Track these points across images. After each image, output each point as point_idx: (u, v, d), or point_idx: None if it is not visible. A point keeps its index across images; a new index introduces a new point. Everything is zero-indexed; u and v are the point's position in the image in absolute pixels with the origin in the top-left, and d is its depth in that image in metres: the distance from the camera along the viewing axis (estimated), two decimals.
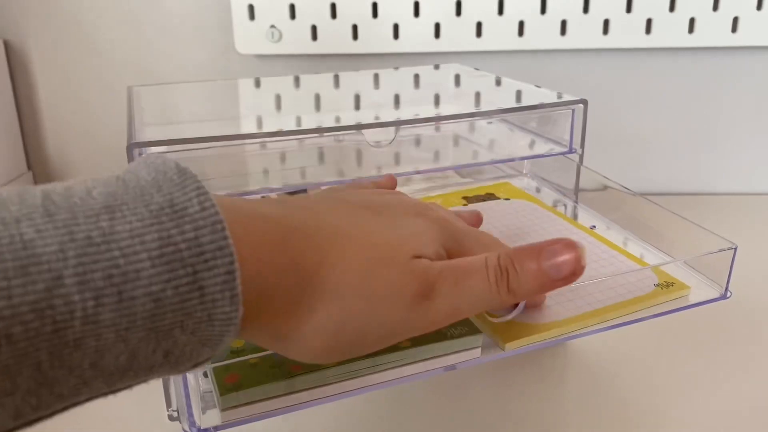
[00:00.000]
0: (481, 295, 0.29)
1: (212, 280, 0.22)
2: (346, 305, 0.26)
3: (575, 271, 0.29)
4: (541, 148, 0.51)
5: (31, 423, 0.21)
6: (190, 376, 0.30)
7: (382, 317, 0.27)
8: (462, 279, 0.29)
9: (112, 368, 0.21)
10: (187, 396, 0.30)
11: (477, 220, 0.43)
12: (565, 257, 0.29)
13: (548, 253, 0.29)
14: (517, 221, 0.49)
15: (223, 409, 0.31)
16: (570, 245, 0.29)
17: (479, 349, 0.36)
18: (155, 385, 0.42)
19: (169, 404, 0.43)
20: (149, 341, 0.21)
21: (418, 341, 0.34)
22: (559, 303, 0.38)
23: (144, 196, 0.22)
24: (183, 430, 0.31)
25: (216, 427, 0.31)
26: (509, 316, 0.36)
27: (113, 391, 0.23)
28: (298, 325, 0.26)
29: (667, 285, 0.40)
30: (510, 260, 0.29)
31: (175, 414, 0.43)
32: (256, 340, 0.27)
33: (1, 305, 0.18)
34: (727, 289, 0.40)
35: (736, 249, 0.40)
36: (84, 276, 0.19)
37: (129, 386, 0.23)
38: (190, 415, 0.30)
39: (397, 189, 0.55)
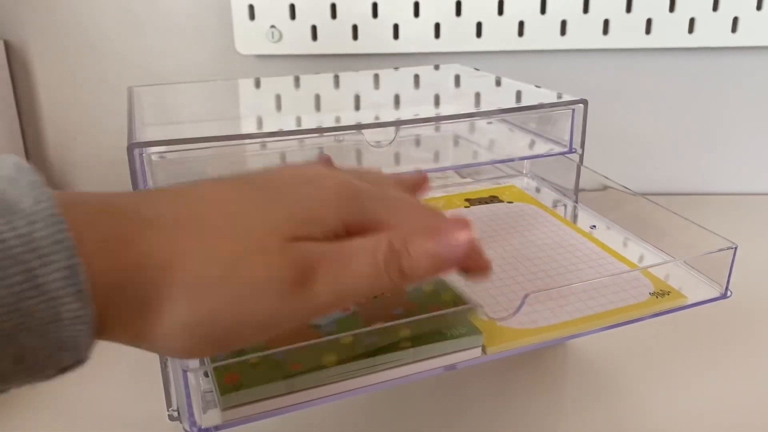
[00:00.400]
0: (369, 279, 0.27)
1: (51, 276, 0.20)
2: (209, 300, 0.24)
3: (469, 252, 0.28)
4: (541, 148, 0.51)
5: None
6: (190, 375, 0.30)
7: (254, 309, 0.25)
8: (347, 262, 0.26)
9: None
10: (188, 396, 0.30)
11: (421, 182, 0.36)
12: (460, 237, 0.28)
13: (443, 234, 0.28)
14: (518, 225, 0.49)
15: (223, 409, 0.31)
16: (464, 224, 0.28)
17: (479, 349, 0.36)
18: (156, 386, 0.43)
19: (169, 404, 0.43)
20: None
21: (418, 341, 0.34)
22: (550, 308, 0.38)
23: None
24: (184, 429, 0.31)
25: (217, 427, 0.31)
26: (509, 317, 0.36)
27: None
28: (153, 325, 0.24)
29: (663, 294, 0.40)
30: (403, 241, 0.27)
31: (176, 414, 0.43)
32: (120, 341, 0.25)
33: None
34: (727, 288, 0.40)
35: (736, 249, 0.40)
36: None
37: None
38: (191, 414, 0.30)
39: None
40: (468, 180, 0.57)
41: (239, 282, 0.25)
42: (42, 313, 0.20)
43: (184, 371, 0.29)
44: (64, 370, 0.23)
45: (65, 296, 0.21)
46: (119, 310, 0.23)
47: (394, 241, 0.27)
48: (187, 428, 0.31)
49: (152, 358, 0.42)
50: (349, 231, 0.28)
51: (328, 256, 0.26)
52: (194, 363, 0.32)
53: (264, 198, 0.27)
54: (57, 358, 0.22)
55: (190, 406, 0.30)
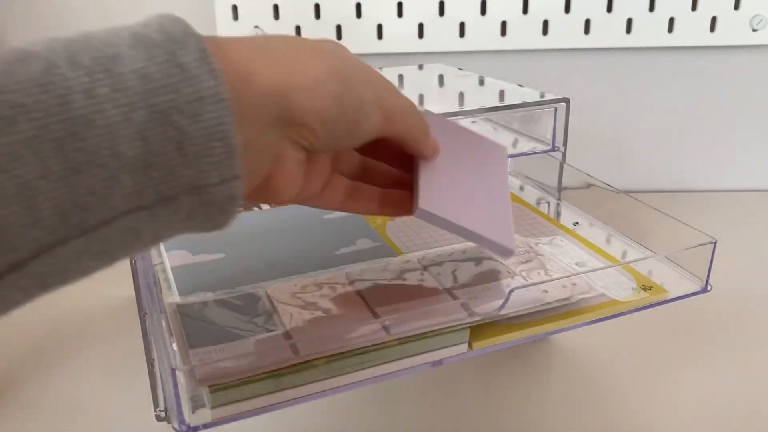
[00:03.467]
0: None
1: (188, 57, 0.24)
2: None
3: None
4: (525, 146, 0.51)
5: (82, 234, 0.22)
6: (179, 374, 0.30)
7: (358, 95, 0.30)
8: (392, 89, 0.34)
9: (133, 160, 0.22)
10: (177, 394, 0.30)
11: None
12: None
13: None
14: None
15: (212, 407, 0.31)
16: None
17: (465, 345, 0.36)
18: (143, 387, 0.43)
19: (156, 404, 0.43)
20: (155, 124, 0.23)
21: (404, 338, 0.35)
22: (527, 299, 0.38)
23: (124, 28, 0.25)
24: (173, 428, 0.31)
25: (206, 425, 0.31)
26: (494, 313, 0.36)
27: (145, 207, 0.23)
28: (299, 75, 0.28)
29: (645, 289, 0.41)
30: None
31: (163, 414, 0.43)
32: (260, 122, 0.27)
33: (7, 81, 0.21)
34: (707, 282, 0.41)
35: (715, 243, 0.40)
36: (72, 58, 0.22)
37: (164, 198, 0.24)
38: (180, 413, 0.30)
39: None
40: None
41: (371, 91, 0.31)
42: (188, 90, 0.23)
43: (173, 370, 0.29)
44: (224, 181, 0.25)
45: (203, 74, 0.24)
46: (256, 78, 0.26)
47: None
48: (177, 427, 0.31)
49: (139, 360, 0.42)
50: None
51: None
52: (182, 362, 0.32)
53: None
54: (210, 152, 0.24)
55: (179, 404, 0.30)
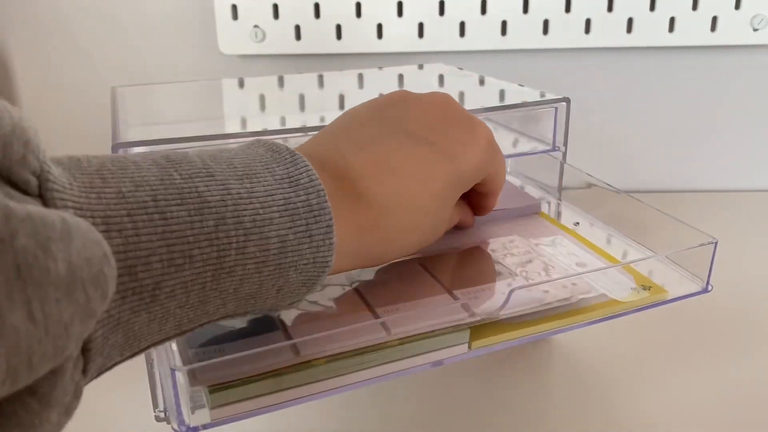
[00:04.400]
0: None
1: (318, 230, 0.29)
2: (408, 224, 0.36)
3: None
4: (525, 146, 0.51)
5: (182, 334, 0.28)
6: (179, 374, 0.30)
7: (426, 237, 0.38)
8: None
9: (241, 296, 0.28)
10: (176, 395, 0.30)
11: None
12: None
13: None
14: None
15: (212, 407, 0.31)
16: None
17: (466, 345, 0.36)
18: (142, 387, 0.42)
19: (156, 405, 0.43)
20: (273, 277, 0.28)
21: (404, 339, 0.35)
22: (527, 299, 0.38)
23: (269, 168, 0.29)
24: (173, 429, 0.31)
25: (205, 425, 0.31)
26: (495, 312, 0.36)
27: (233, 315, 0.30)
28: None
29: (645, 288, 0.41)
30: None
31: (162, 414, 0.43)
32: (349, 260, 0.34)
33: (189, 233, 0.25)
34: (708, 282, 0.41)
35: (716, 243, 0.40)
36: (238, 218, 0.26)
37: (245, 313, 0.30)
38: (180, 413, 0.30)
39: None
40: None
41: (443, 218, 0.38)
42: (308, 256, 0.29)
43: (173, 370, 0.29)
44: (290, 304, 0.31)
45: (323, 246, 0.29)
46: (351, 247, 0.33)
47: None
48: (176, 427, 0.31)
49: (138, 360, 0.42)
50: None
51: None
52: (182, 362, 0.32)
53: (430, 154, 0.36)
54: (296, 292, 0.30)
55: (178, 405, 0.30)
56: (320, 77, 0.63)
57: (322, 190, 0.29)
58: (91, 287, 0.21)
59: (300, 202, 0.29)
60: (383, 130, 0.36)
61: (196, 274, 0.25)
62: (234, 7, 0.72)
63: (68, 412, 0.23)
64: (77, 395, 0.23)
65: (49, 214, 0.20)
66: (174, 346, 0.34)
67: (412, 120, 0.37)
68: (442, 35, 0.74)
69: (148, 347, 0.27)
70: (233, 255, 0.26)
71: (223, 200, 0.26)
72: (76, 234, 0.21)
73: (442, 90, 0.42)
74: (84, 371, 0.23)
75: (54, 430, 0.22)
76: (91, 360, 0.23)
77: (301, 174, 0.30)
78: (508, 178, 0.56)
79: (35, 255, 0.19)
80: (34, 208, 0.20)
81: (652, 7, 0.72)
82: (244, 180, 0.28)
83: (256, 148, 0.31)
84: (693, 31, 0.73)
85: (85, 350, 0.23)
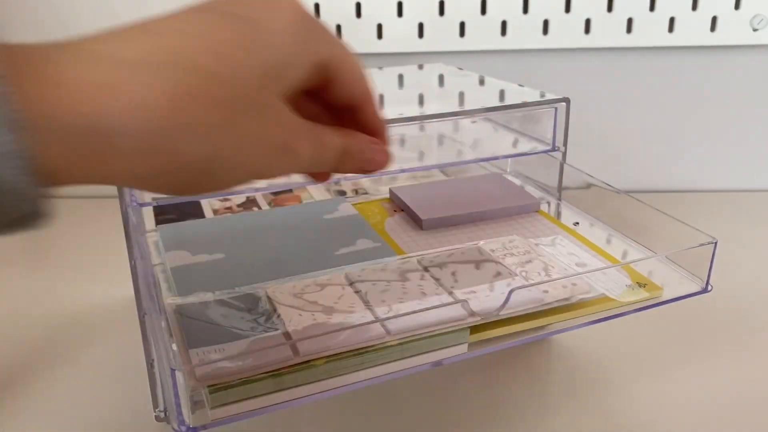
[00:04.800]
0: (316, 164, 0.29)
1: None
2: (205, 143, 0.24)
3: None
4: (525, 146, 0.51)
5: None
6: (179, 374, 0.30)
7: (245, 161, 0.26)
8: (321, 146, 0.29)
9: None
10: (176, 395, 0.30)
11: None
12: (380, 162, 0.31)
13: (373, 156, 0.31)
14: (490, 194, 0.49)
15: (212, 407, 0.31)
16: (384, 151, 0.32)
17: (465, 345, 0.36)
18: (142, 387, 0.43)
19: (156, 405, 0.43)
20: None
21: (404, 339, 0.35)
22: (527, 299, 0.38)
23: None
24: (173, 428, 0.31)
25: (205, 425, 0.31)
26: (495, 313, 0.36)
27: None
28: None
29: (640, 286, 0.41)
30: (358, 154, 0.31)
31: (162, 414, 0.43)
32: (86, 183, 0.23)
33: None
34: (707, 282, 0.41)
35: (716, 244, 0.40)
36: None
37: None
38: (180, 414, 0.30)
39: (382, 188, 0.55)
40: (453, 178, 0.58)
41: (239, 133, 0.25)
42: None
43: (173, 370, 0.29)
44: (15, 223, 0.22)
45: None
46: (76, 152, 0.22)
47: (354, 151, 0.30)
48: (176, 427, 0.31)
49: (139, 360, 0.42)
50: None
51: (308, 134, 0.28)
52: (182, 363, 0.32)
53: (237, 33, 0.25)
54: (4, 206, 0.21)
55: (178, 405, 0.30)
56: None
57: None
58: None
59: None
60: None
61: None
62: None
63: None
64: None
65: None
66: (174, 346, 0.34)
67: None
68: (442, 35, 0.74)
69: None
70: None
71: None
72: None
73: (441, 89, 0.41)
74: None
75: None
76: None
77: None
78: (509, 177, 0.56)
79: None
80: None
81: (652, 8, 0.72)
82: None
83: None
84: (693, 31, 0.73)
85: None
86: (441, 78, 0.62)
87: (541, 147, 0.50)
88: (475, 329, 0.36)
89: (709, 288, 0.41)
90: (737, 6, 0.72)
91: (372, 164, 0.31)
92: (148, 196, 0.38)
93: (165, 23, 0.25)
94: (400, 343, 0.34)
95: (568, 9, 0.73)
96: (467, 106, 0.46)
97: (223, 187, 0.26)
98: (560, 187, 0.53)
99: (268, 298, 0.39)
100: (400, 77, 0.63)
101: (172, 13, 0.26)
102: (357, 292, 0.39)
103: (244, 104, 0.25)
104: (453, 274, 0.41)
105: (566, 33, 0.74)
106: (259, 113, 0.25)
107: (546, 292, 0.39)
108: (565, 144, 0.50)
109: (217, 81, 0.24)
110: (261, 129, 0.25)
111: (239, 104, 0.24)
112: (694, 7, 0.72)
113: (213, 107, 0.24)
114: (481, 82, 0.59)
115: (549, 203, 0.53)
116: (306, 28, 0.27)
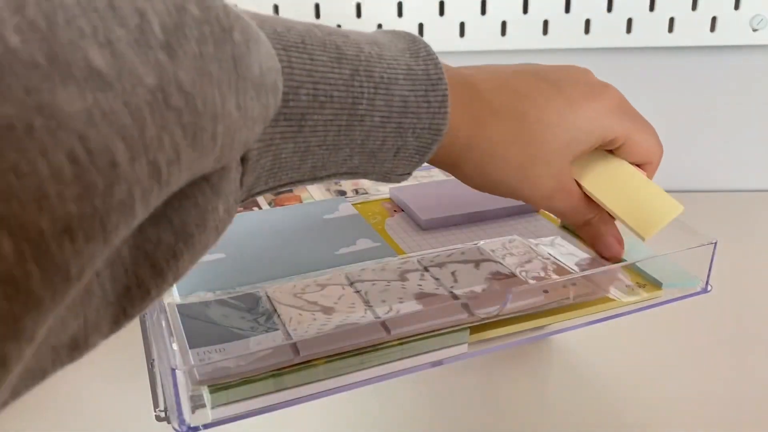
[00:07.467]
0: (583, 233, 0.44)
1: (435, 98, 0.32)
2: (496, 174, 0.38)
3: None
4: None
5: (314, 180, 0.32)
6: (179, 374, 0.30)
7: (523, 193, 0.39)
8: (577, 215, 0.42)
9: (368, 150, 0.31)
10: (177, 394, 0.30)
11: None
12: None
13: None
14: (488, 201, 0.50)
15: (212, 407, 0.31)
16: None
17: (466, 345, 0.36)
18: (143, 387, 0.42)
19: (156, 405, 0.43)
20: (394, 135, 0.31)
21: (404, 339, 0.35)
22: (527, 299, 0.38)
23: (392, 41, 0.32)
24: (173, 428, 0.31)
25: (206, 425, 0.31)
26: (494, 313, 0.36)
27: (355, 174, 0.33)
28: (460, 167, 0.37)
29: (640, 286, 0.41)
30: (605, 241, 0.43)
31: (163, 414, 0.43)
32: (444, 155, 0.35)
33: (330, 76, 0.28)
34: (707, 282, 0.41)
35: (716, 244, 0.40)
36: (370, 73, 0.30)
37: (365, 173, 0.33)
38: (180, 413, 0.30)
39: (382, 188, 0.55)
40: (453, 178, 0.58)
41: (521, 177, 0.37)
42: (425, 121, 0.32)
43: (173, 369, 0.29)
44: (402, 175, 0.35)
45: (438, 113, 0.32)
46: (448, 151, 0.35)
47: (593, 233, 0.43)
48: (177, 427, 0.31)
49: (139, 360, 0.42)
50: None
51: (569, 198, 0.40)
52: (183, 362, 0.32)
53: (562, 106, 0.37)
54: (409, 160, 0.33)
55: (179, 404, 0.30)
56: None
57: (440, 64, 0.33)
58: (271, 94, 0.25)
59: (420, 70, 0.32)
60: (510, 68, 0.39)
61: (335, 115, 0.29)
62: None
63: (229, 212, 0.25)
64: (236, 200, 0.26)
65: (246, 16, 0.23)
66: (174, 345, 0.34)
67: (542, 68, 0.39)
68: (442, 35, 0.74)
69: (287, 184, 0.31)
70: (364, 104, 0.30)
71: (357, 56, 0.30)
72: (262, 41, 0.24)
73: None
74: (241, 182, 0.26)
75: (219, 223, 0.25)
76: (247, 172, 0.26)
77: (419, 49, 0.33)
78: None
79: (243, 51, 0.22)
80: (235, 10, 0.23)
81: (652, 8, 0.72)
82: (374, 46, 0.31)
83: (374, 31, 0.34)
84: (692, 31, 0.73)
85: (244, 159, 0.26)
86: None
87: None
88: (475, 329, 0.36)
89: (709, 288, 0.41)
90: (737, 6, 0.72)
91: (605, 251, 0.43)
92: None
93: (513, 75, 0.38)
94: (400, 343, 0.35)
95: (568, 9, 0.73)
96: None
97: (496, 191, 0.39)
98: None
99: (268, 298, 0.39)
100: None
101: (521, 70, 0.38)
102: (357, 292, 0.39)
103: (543, 154, 0.37)
104: (453, 274, 0.41)
105: (566, 33, 0.74)
106: (548, 165, 0.37)
107: (546, 292, 0.39)
108: None
109: (533, 131, 0.36)
110: (543, 177, 0.37)
111: (541, 152, 0.37)
112: (694, 7, 0.72)
113: (524, 146, 0.36)
114: None
115: None
116: (618, 113, 0.40)
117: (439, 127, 0.32)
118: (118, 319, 0.22)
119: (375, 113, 0.30)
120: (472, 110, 0.35)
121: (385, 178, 0.34)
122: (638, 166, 0.42)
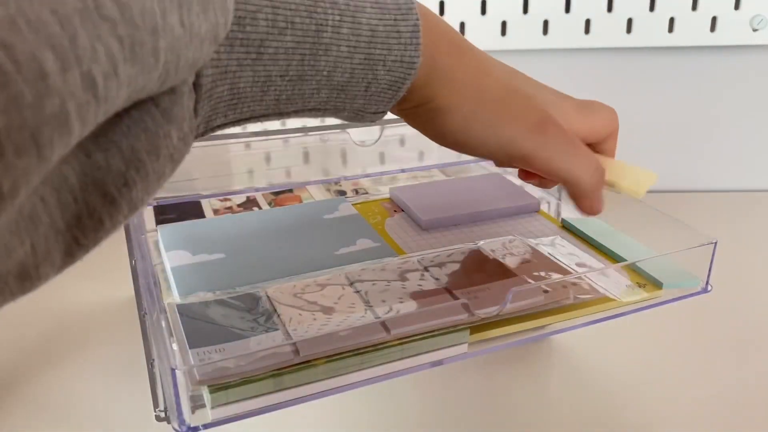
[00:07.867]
0: (572, 175, 0.40)
1: (405, 27, 0.30)
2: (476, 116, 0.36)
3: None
4: None
5: (280, 116, 0.31)
6: (179, 374, 0.30)
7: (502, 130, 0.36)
8: (573, 150, 0.39)
9: (336, 83, 0.30)
10: (177, 394, 0.30)
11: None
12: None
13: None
14: (490, 196, 0.50)
15: (212, 407, 0.31)
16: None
17: (466, 345, 0.36)
18: (143, 387, 0.43)
19: (156, 405, 0.43)
20: (363, 67, 0.30)
21: (404, 338, 0.35)
22: (527, 299, 0.38)
23: None
24: (173, 428, 0.31)
25: (206, 425, 0.31)
26: (495, 313, 0.36)
27: (324, 110, 0.32)
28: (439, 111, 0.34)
29: (640, 286, 0.41)
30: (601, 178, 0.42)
31: (163, 414, 0.43)
32: (420, 94, 0.33)
33: (291, 1, 0.27)
34: (707, 282, 0.41)
35: (716, 244, 0.40)
36: (334, 1, 0.28)
37: (335, 110, 0.32)
38: (180, 413, 0.30)
39: (382, 188, 0.55)
40: (453, 178, 0.58)
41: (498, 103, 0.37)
42: (396, 53, 0.30)
43: (173, 370, 0.29)
44: (375, 113, 0.33)
45: (409, 44, 0.31)
46: (424, 85, 0.32)
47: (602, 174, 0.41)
48: (176, 427, 0.31)
49: (139, 360, 0.42)
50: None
51: (565, 133, 0.38)
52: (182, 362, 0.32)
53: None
54: (381, 97, 0.32)
55: (179, 404, 0.30)
56: None
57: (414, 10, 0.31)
58: (220, 12, 0.24)
59: (390, 1, 0.31)
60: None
61: (297, 43, 0.28)
62: None
63: (185, 141, 0.24)
64: (191, 128, 0.25)
65: None
66: (174, 345, 0.34)
67: (523, 76, 0.42)
68: None
69: (249, 118, 0.30)
70: (329, 32, 0.28)
71: None
72: None
73: None
74: (195, 110, 0.25)
75: (174, 152, 0.24)
76: (201, 99, 0.26)
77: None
78: (509, 177, 0.56)
79: None
80: None
81: (652, 8, 0.72)
82: None
83: None
84: (693, 31, 0.73)
85: (196, 85, 0.25)
86: None
87: None
88: (475, 329, 0.36)
89: (709, 288, 0.41)
90: (737, 6, 0.72)
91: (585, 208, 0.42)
92: None
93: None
94: (400, 343, 0.34)
95: (568, 9, 0.73)
96: None
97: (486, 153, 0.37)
98: (560, 187, 0.53)
99: (268, 298, 0.39)
100: None
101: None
102: (357, 292, 0.39)
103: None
104: (453, 274, 0.41)
105: (566, 33, 0.74)
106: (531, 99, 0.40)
107: (546, 292, 0.39)
108: None
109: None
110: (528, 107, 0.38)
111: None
112: (694, 7, 0.72)
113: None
114: None
115: (549, 203, 0.53)
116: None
117: (412, 59, 0.31)
118: (71, 250, 0.21)
119: (341, 42, 0.29)
120: (442, 44, 0.33)
121: (357, 116, 0.33)
122: None
